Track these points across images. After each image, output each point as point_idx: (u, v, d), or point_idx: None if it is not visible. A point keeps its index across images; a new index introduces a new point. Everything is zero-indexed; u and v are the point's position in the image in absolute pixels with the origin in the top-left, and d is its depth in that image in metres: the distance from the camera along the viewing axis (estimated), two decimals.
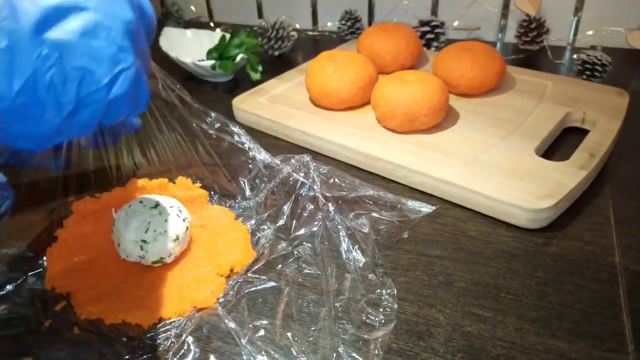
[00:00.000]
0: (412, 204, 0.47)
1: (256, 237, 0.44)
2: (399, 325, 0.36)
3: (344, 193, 0.47)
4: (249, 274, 0.41)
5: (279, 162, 0.48)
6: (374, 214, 0.45)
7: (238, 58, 0.73)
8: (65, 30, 0.27)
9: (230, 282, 0.40)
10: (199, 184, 0.48)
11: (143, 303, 0.38)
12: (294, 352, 0.34)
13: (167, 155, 0.48)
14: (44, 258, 0.42)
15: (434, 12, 0.88)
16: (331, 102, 0.60)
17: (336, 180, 0.48)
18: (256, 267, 0.41)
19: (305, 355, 0.34)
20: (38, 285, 0.40)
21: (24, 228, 0.46)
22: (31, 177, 0.48)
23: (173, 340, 0.35)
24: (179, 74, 0.77)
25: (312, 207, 0.46)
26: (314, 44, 0.93)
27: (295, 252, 0.42)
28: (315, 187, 0.46)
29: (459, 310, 0.37)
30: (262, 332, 0.36)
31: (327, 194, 0.46)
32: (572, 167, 0.47)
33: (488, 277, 0.39)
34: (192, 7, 1.07)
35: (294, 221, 0.45)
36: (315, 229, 0.44)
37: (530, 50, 0.79)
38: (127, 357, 0.34)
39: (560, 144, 0.54)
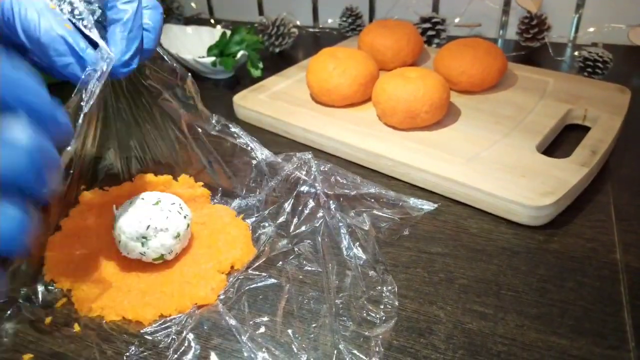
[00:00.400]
0: (413, 201, 0.46)
1: (257, 234, 0.44)
2: (399, 322, 0.36)
3: (345, 190, 0.47)
4: (250, 271, 0.41)
5: (280, 160, 0.48)
6: (375, 211, 0.45)
7: (239, 55, 0.73)
8: None
9: (231, 279, 0.40)
10: (201, 183, 0.48)
11: (144, 300, 0.38)
12: (295, 349, 0.34)
13: (170, 153, 0.48)
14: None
15: (435, 8, 0.88)
16: (332, 98, 0.60)
17: (337, 177, 0.47)
18: (257, 264, 0.41)
19: (306, 352, 0.34)
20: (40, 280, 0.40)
21: None
22: None
23: (173, 337, 0.35)
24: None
25: (313, 204, 0.46)
26: (315, 41, 0.93)
27: (296, 249, 0.42)
28: (317, 184, 0.46)
29: (460, 307, 0.37)
30: (262, 329, 0.35)
31: (328, 192, 0.46)
32: (573, 164, 0.46)
33: (489, 274, 0.39)
34: (193, 4, 1.07)
35: (295, 218, 0.45)
36: (316, 226, 0.44)
37: (532, 47, 0.79)
38: (128, 354, 0.34)
39: (561, 141, 0.54)
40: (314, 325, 0.36)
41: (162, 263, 0.40)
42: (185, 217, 0.40)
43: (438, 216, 0.46)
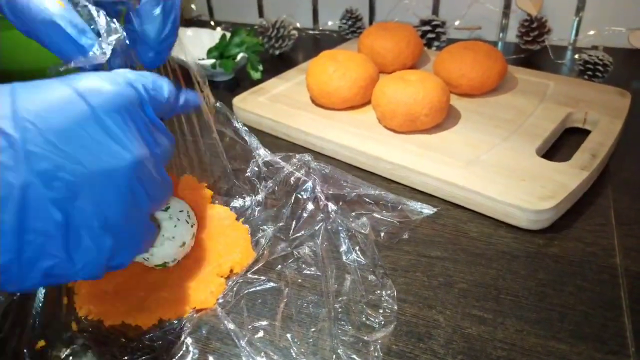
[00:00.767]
0: (413, 205, 0.46)
1: (256, 237, 0.44)
2: (398, 327, 0.36)
3: (345, 193, 0.47)
4: (249, 275, 0.40)
5: (279, 162, 0.48)
6: (375, 215, 0.45)
7: (238, 57, 0.73)
8: (48, 221, 0.25)
9: (230, 282, 0.40)
10: (204, 184, 0.48)
11: (143, 305, 0.38)
12: (293, 354, 0.34)
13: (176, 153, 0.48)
14: None
15: (435, 11, 0.88)
16: (332, 101, 0.60)
17: (337, 180, 0.47)
18: (256, 267, 0.41)
19: (305, 356, 0.34)
20: None
21: None
22: None
23: (172, 341, 0.35)
24: None
25: (312, 207, 0.46)
26: (315, 43, 0.93)
27: (295, 252, 0.42)
28: (316, 187, 0.46)
29: (459, 311, 0.37)
30: (261, 333, 0.35)
31: (327, 194, 0.46)
32: (573, 167, 0.46)
33: (489, 279, 0.39)
34: (193, 6, 1.07)
35: (294, 222, 0.45)
36: (316, 229, 0.44)
37: (532, 50, 0.79)
38: (126, 358, 0.34)
39: (561, 145, 0.54)
40: (312, 329, 0.36)
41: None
42: (192, 226, 0.40)
43: (437, 220, 0.45)
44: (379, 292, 0.38)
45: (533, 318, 0.36)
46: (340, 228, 0.43)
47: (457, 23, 0.85)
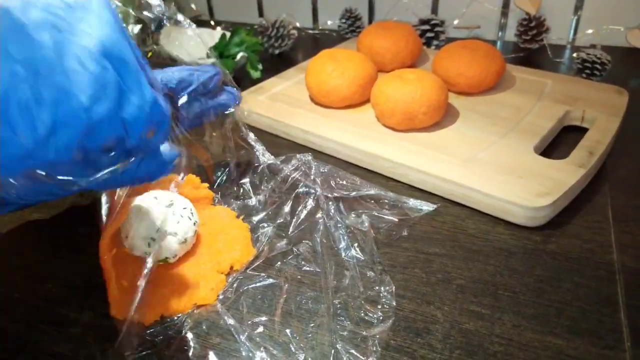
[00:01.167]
0: (412, 202, 0.47)
1: (256, 234, 0.44)
2: (397, 322, 0.36)
3: (344, 192, 0.47)
4: (249, 271, 0.41)
5: (280, 161, 0.49)
6: (374, 212, 0.46)
7: (238, 56, 0.73)
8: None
9: (230, 279, 0.40)
10: (206, 184, 0.48)
11: (144, 301, 0.38)
12: (293, 349, 0.34)
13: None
14: None
15: (434, 10, 0.88)
16: (331, 100, 0.60)
17: (336, 178, 0.48)
18: (256, 264, 0.41)
19: (304, 351, 0.34)
20: None
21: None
22: None
23: (173, 336, 0.36)
24: None
25: (312, 205, 0.46)
26: (314, 43, 0.93)
27: (295, 249, 0.42)
28: (316, 185, 0.47)
29: (457, 307, 0.37)
30: (261, 329, 0.36)
31: (327, 193, 0.46)
32: (570, 165, 0.47)
33: (486, 275, 0.39)
34: (193, 6, 1.07)
35: (294, 219, 0.45)
36: (315, 226, 0.44)
37: (530, 48, 0.79)
38: (128, 353, 0.35)
39: (559, 142, 0.54)
40: (311, 325, 0.36)
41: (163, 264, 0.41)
42: (194, 223, 0.40)
43: (436, 217, 0.46)
44: (377, 288, 0.38)
45: (530, 314, 0.36)
46: (339, 225, 0.43)
47: (456, 22, 0.85)
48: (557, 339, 0.34)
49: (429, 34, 0.81)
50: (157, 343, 0.35)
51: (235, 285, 0.40)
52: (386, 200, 0.47)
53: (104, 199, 0.37)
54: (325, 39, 0.93)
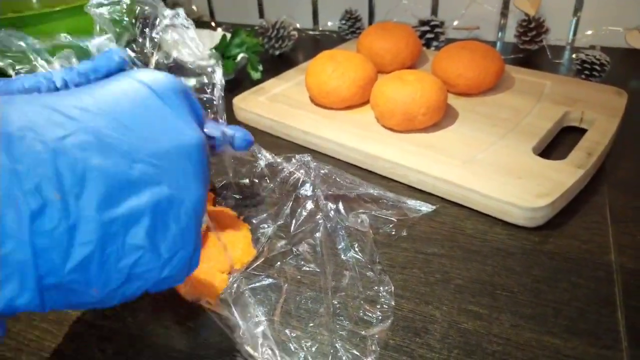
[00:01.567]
0: (411, 203, 0.47)
1: (256, 235, 0.45)
2: (395, 322, 0.36)
3: (344, 192, 0.47)
4: (249, 271, 0.41)
5: (280, 162, 0.49)
6: (374, 213, 0.46)
7: (239, 57, 0.73)
8: (132, 207, 0.24)
9: (231, 279, 0.40)
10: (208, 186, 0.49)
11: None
12: (292, 348, 0.34)
13: None
14: None
15: (434, 11, 0.88)
16: (331, 101, 0.60)
17: (336, 179, 0.48)
18: (256, 264, 0.42)
19: (303, 351, 0.34)
20: None
21: None
22: None
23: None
24: None
25: (312, 205, 0.46)
26: (315, 44, 0.93)
27: (295, 249, 0.43)
28: (316, 186, 0.47)
29: (456, 307, 0.37)
30: (260, 328, 0.36)
31: (327, 193, 0.46)
32: (569, 166, 0.47)
33: (485, 275, 0.40)
34: (194, 7, 1.07)
35: (294, 220, 0.45)
36: (315, 227, 0.44)
37: (530, 49, 0.80)
38: (131, 351, 0.35)
39: (558, 143, 0.55)
40: (311, 324, 0.36)
41: None
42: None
43: (435, 217, 0.46)
44: (376, 288, 0.39)
45: (528, 313, 0.36)
46: (339, 226, 0.44)
47: (455, 23, 0.86)
48: (555, 339, 0.34)
49: (429, 35, 0.81)
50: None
51: (235, 284, 0.40)
52: (385, 201, 0.47)
53: None
54: (326, 40, 0.93)
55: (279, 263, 0.42)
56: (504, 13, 0.84)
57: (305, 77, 0.63)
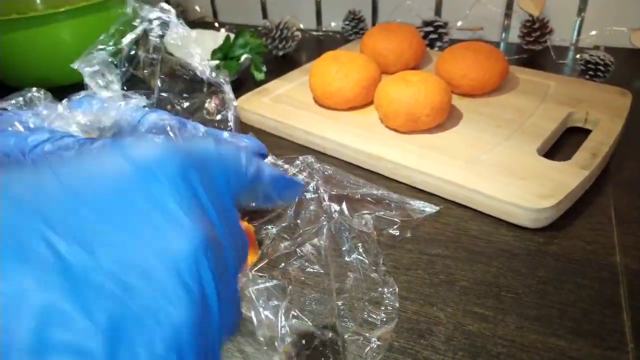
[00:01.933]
0: (416, 204, 0.47)
1: (260, 236, 0.45)
2: (400, 324, 0.36)
3: (348, 193, 0.47)
4: (253, 273, 0.41)
5: (283, 163, 0.49)
6: (378, 214, 0.46)
7: (242, 58, 0.74)
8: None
9: None
10: None
11: None
12: (296, 349, 0.34)
13: None
14: None
15: (438, 12, 0.88)
16: (334, 102, 0.60)
17: (340, 180, 0.48)
18: (260, 265, 0.42)
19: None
20: None
21: None
22: None
23: None
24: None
25: (315, 207, 0.46)
26: (318, 44, 0.93)
27: (299, 251, 0.43)
28: (319, 187, 0.47)
29: (460, 308, 0.37)
30: (264, 330, 0.36)
31: (330, 195, 0.46)
32: (574, 167, 0.47)
33: (489, 276, 0.40)
34: (197, 8, 1.08)
35: (298, 221, 0.45)
36: (319, 228, 0.44)
37: (534, 50, 0.79)
38: None
39: (562, 144, 0.54)
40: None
41: None
42: None
43: (439, 218, 0.46)
44: (381, 289, 0.39)
45: (533, 315, 0.36)
46: (343, 227, 0.44)
47: (459, 24, 0.86)
48: (560, 341, 0.34)
49: (432, 36, 0.81)
50: None
51: (239, 286, 0.40)
52: (389, 202, 0.47)
53: None
54: (329, 40, 0.93)
55: (283, 264, 0.42)
56: (508, 14, 0.84)
57: (309, 77, 0.63)
